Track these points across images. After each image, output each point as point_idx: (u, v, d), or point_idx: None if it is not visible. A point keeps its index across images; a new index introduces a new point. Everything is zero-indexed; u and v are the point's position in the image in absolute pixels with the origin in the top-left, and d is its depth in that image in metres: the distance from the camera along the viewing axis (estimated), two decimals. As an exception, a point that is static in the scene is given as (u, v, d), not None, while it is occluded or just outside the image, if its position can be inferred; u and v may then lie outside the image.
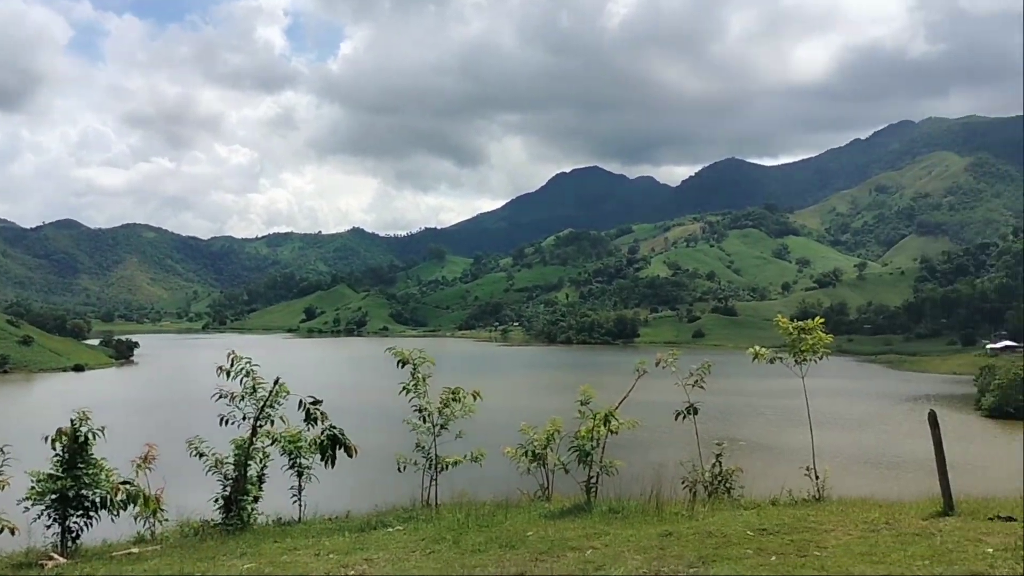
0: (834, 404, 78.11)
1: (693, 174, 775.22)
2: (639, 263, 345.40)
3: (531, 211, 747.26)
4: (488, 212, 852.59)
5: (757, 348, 10.92)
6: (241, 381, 10.01)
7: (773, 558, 6.29)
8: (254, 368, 10.12)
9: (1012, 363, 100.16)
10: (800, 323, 10.81)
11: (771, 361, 10.89)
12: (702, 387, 10.85)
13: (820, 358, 10.81)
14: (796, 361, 10.77)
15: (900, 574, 5.57)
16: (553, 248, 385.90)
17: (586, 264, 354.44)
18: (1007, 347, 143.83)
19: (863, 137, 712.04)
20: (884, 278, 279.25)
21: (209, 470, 10.04)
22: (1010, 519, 6.82)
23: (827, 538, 6.82)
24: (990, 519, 7.16)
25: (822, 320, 10.94)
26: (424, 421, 10.64)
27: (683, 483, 10.37)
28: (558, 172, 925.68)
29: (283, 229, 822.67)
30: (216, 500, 9.90)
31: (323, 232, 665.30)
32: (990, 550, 6.01)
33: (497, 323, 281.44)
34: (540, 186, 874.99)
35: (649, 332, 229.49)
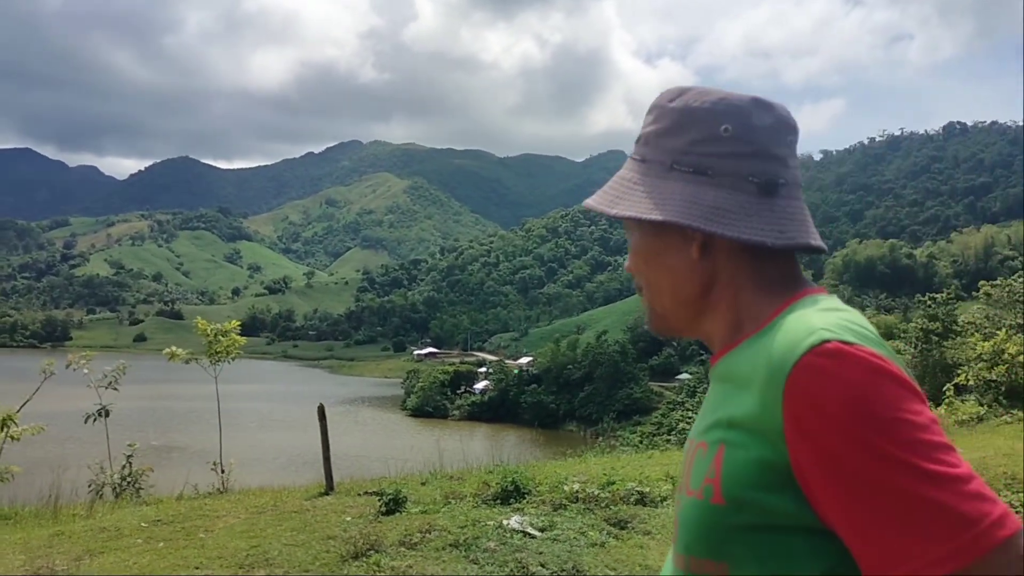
0: (269, 407, 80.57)
1: (142, 168, 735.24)
2: (76, 260, 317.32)
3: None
4: None
5: (174, 349, 11.26)
6: None
7: (161, 544, 6.72)
8: None
9: (433, 368, 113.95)
10: (217, 326, 11.41)
11: (187, 362, 11.32)
12: (116, 389, 10.84)
13: (233, 359, 11.52)
14: (212, 362, 11.34)
15: (268, 543, 6.44)
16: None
17: (10, 257, 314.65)
18: (430, 353, 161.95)
19: (317, 151, 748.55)
20: (330, 287, 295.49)
21: None
22: (376, 494, 8.15)
23: (216, 523, 7.46)
24: (359, 495, 8.49)
25: (239, 324, 11.66)
26: None
27: (89, 486, 10.24)
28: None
29: None
30: None
31: None
32: (349, 518, 7.22)
33: None
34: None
35: (84, 335, 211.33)
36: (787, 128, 1.17)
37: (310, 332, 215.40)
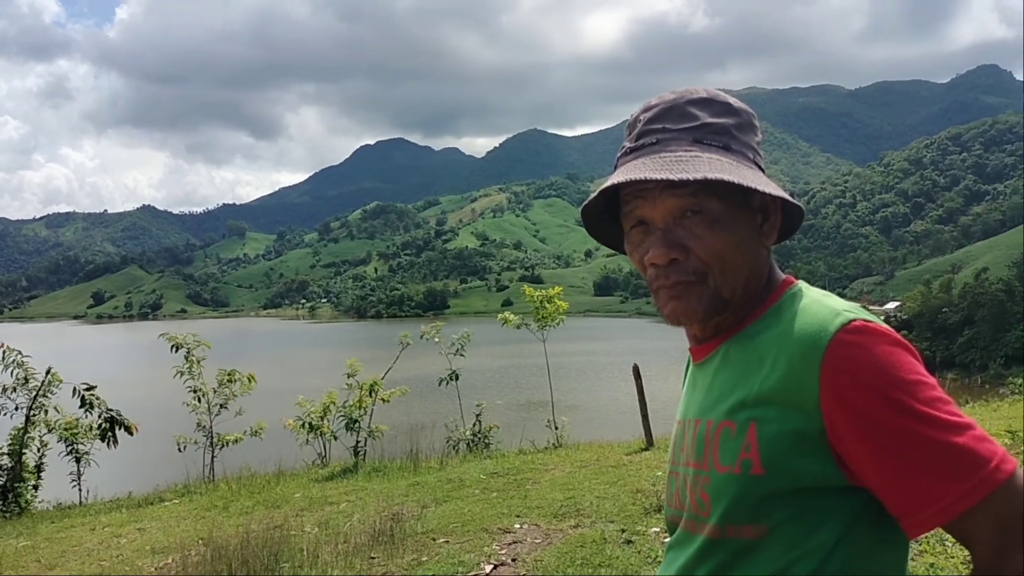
0: (619, 361, 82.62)
1: (496, 145, 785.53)
2: (447, 235, 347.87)
3: (336, 184, 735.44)
4: (290, 186, 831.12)
5: (507, 315, 12.29)
6: (12, 373, 10.26)
7: (494, 494, 7.52)
8: (25, 359, 10.39)
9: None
10: (543, 292, 12.22)
11: (517, 327, 12.29)
12: (462, 355, 12.11)
13: (557, 324, 12.26)
14: (539, 327, 12.20)
15: (581, 495, 6.95)
16: (360, 222, 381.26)
17: (394, 237, 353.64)
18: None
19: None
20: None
21: (-18, 463, 10.15)
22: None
23: (543, 476, 8.15)
24: (678, 450, 8.76)
25: (560, 290, 12.39)
26: (200, 402, 11.25)
27: (447, 441, 11.59)
28: (362, 144, 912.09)
29: (63, 208, 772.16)
30: (-9, 491, 10.06)
31: (109, 211, 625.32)
32: (660, 473, 7.51)
33: (304, 300, 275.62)
34: (344, 159, 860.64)
35: (459, 303, 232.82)
36: None
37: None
